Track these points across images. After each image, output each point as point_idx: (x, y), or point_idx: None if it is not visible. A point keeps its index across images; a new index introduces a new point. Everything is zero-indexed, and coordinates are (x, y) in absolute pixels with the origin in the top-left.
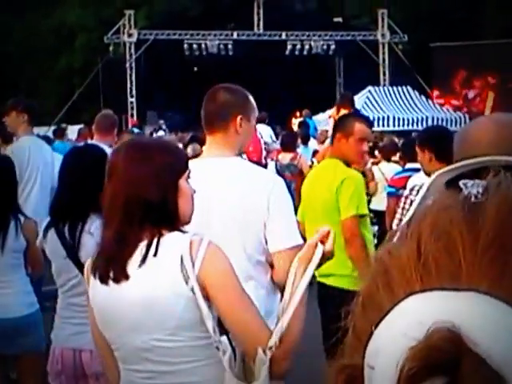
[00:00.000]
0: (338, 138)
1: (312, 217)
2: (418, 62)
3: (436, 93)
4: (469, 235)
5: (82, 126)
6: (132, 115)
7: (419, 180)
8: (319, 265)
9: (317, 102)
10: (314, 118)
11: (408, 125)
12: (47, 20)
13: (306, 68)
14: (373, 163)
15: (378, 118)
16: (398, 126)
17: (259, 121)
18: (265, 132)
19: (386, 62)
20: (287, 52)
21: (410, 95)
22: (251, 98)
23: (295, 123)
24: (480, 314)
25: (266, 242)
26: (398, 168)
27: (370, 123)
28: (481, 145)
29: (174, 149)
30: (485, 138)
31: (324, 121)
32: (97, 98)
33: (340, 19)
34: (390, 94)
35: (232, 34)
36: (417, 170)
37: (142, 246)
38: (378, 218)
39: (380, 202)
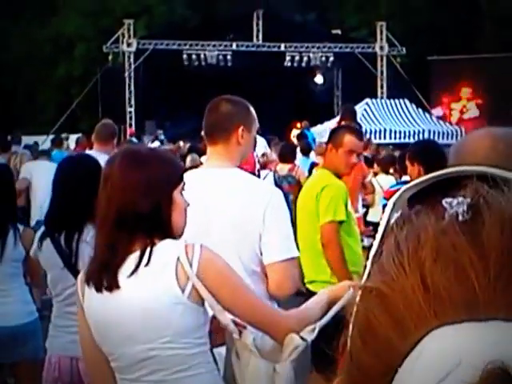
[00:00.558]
0: (329, 149)
1: (299, 225)
2: (416, 75)
3: (433, 106)
4: (480, 261)
5: (80, 135)
6: (130, 125)
7: None
8: None
9: (315, 114)
10: (312, 129)
11: (405, 137)
12: (46, 29)
13: (305, 79)
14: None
15: (375, 131)
16: (395, 138)
17: None
18: (259, 143)
19: (384, 74)
20: (286, 63)
21: (407, 108)
22: (252, 110)
23: (295, 135)
24: None
25: (261, 254)
26: (395, 181)
27: (360, 135)
28: (477, 158)
29: (170, 160)
30: (481, 152)
31: (323, 131)
32: (95, 107)
33: (339, 31)
34: (388, 107)
35: (231, 45)
36: None
37: (135, 255)
38: (375, 229)
39: (377, 214)
